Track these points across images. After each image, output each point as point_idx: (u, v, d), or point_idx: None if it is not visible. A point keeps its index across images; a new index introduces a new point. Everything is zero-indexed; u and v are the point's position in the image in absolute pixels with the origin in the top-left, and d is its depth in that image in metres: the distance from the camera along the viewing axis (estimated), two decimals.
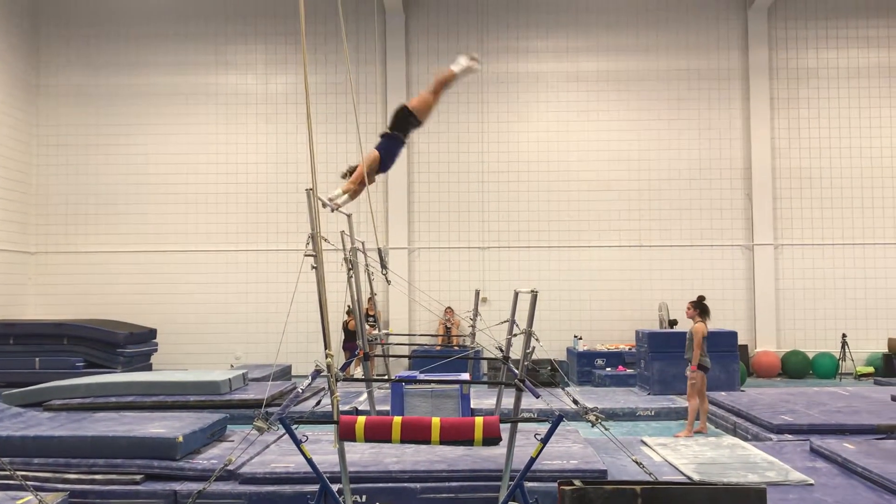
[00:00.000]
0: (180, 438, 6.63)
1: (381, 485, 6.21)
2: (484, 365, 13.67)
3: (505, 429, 5.15)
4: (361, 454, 6.81)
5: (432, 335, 14.26)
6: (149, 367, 14.28)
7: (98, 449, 6.60)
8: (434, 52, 15.90)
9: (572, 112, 15.81)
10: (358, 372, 13.24)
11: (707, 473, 6.39)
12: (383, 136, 6.68)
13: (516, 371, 5.93)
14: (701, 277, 15.36)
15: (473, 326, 9.57)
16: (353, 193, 6.39)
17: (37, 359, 13.20)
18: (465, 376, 9.29)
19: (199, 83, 15.99)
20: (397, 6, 15.45)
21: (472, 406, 9.02)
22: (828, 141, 15.63)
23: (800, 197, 15.61)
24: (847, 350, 14.68)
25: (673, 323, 14.26)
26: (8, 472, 5.54)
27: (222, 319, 15.59)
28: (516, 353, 6.36)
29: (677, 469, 6.69)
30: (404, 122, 6.69)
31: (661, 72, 15.82)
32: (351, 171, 6.66)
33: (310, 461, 4.78)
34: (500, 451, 6.22)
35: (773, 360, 14.93)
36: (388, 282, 9.32)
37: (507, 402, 8.37)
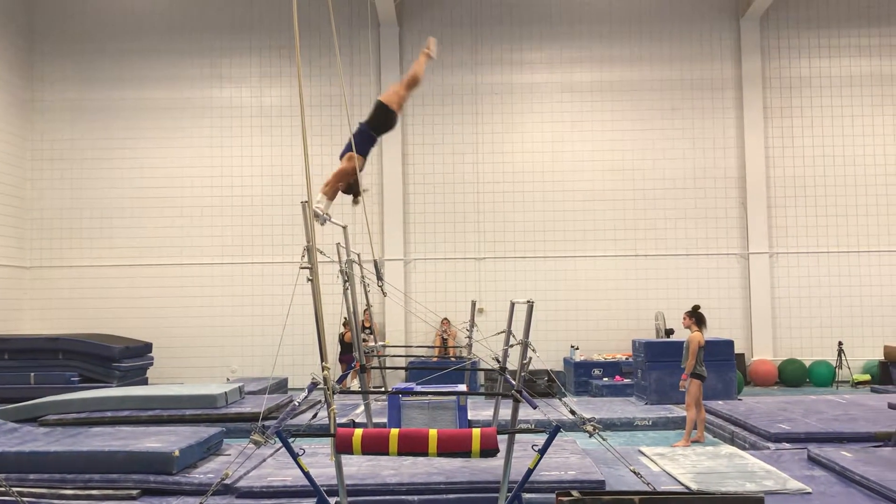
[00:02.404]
0: (177, 453, 6.61)
1: (378, 497, 6.19)
2: (481, 376, 13.65)
3: (502, 440, 5.14)
4: (359, 467, 6.80)
5: (429, 346, 14.25)
6: (144, 382, 14.21)
7: (94, 464, 6.58)
8: (428, 64, 15.88)
9: (566, 122, 15.86)
10: (355, 384, 13.20)
11: (705, 483, 6.39)
12: (360, 132, 6.69)
13: (513, 382, 5.94)
14: (697, 286, 15.39)
15: (470, 337, 9.59)
16: (332, 194, 6.47)
17: (32, 374, 13.14)
18: (462, 387, 9.29)
19: (193, 97, 16.01)
20: (391, 18, 15.50)
21: (469, 417, 9.00)
22: (821, 149, 15.70)
23: (794, 205, 15.66)
24: (843, 358, 14.71)
25: (669, 332, 14.26)
26: (4, 489, 5.51)
27: (218, 332, 15.56)
28: (513, 363, 6.37)
29: (675, 479, 6.69)
30: (383, 118, 6.74)
31: (655, 82, 15.89)
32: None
33: (307, 474, 4.77)
34: (497, 462, 6.21)
35: (770, 369, 14.94)
36: (384, 293, 9.36)
37: (505, 413, 8.36)
